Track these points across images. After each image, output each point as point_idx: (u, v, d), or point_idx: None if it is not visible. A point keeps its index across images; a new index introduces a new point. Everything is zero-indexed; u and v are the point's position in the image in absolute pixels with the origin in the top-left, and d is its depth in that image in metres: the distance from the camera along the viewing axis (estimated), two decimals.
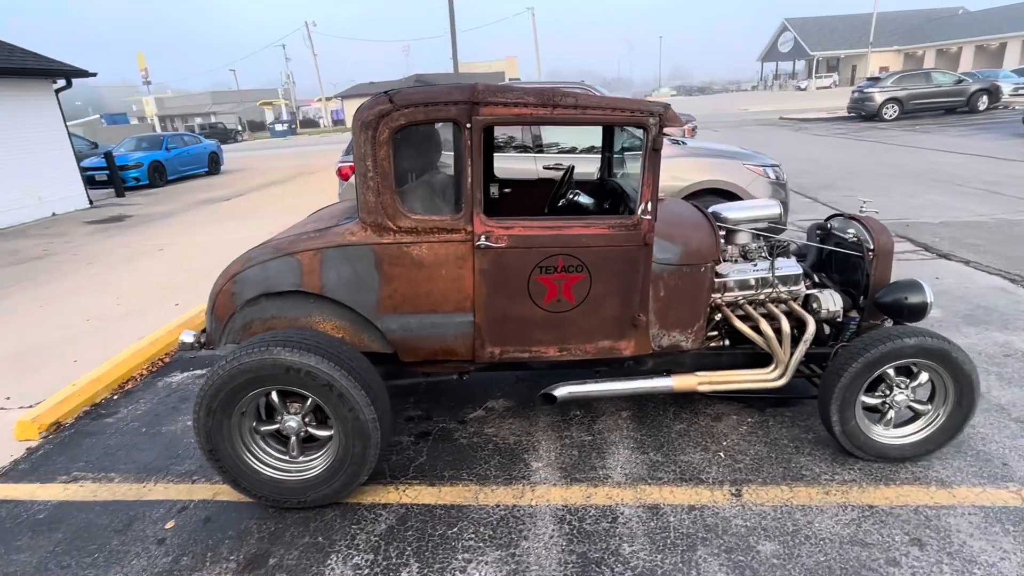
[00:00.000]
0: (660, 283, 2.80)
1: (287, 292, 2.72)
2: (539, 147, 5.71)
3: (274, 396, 2.58)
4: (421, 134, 3.17)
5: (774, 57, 62.59)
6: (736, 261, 3.20)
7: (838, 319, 3.08)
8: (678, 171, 5.55)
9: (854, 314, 3.17)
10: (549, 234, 2.61)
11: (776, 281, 3.05)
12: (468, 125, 2.46)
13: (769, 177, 5.63)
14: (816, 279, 3.29)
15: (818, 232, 3.52)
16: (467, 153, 2.49)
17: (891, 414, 2.79)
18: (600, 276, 2.70)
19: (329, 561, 2.37)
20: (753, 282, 3.05)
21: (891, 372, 2.72)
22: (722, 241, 3.29)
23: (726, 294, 3.05)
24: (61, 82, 12.75)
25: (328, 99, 53.63)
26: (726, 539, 2.37)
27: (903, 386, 2.75)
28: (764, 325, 2.89)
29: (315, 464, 2.65)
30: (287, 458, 2.67)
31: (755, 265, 3.10)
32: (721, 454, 2.93)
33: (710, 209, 3.31)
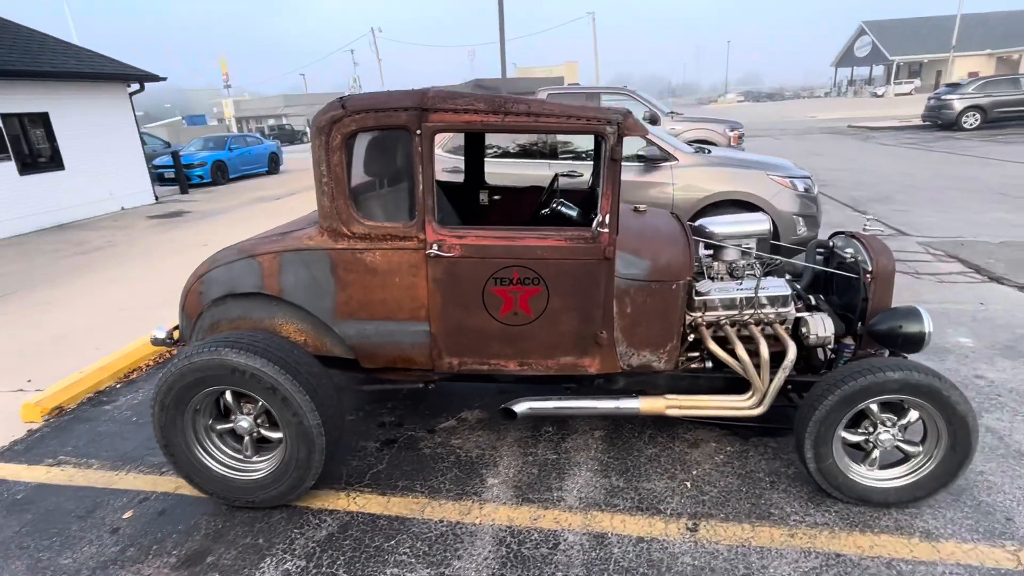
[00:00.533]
0: (627, 299, 2.67)
1: (251, 294, 2.76)
2: (555, 153, 5.61)
3: (228, 396, 2.62)
4: (398, 140, 3.15)
5: (849, 62, 59.42)
6: (722, 278, 3.01)
7: (828, 345, 2.84)
8: (697, 181, 5.32)
9: (849, 341, 2.91)
10: (503, 245, 2.53)
11: (763, 301, 2.84)
12: (418, 132, 2.42)
13: (796, 189, 5.30)
14: (812, 301, 3.04)
15: (819, 251, 3.27)
16: (418, 160, 2.45)
17: (876, 454, 2.54)
18: (558, 290, 2.59)
19: (262, 564, 2.37)
20: (736, 302, 2.85)
21: (875, 408, 2.47)
22: (707, 257, 3.12)
23: (707, 313, 2.86)
24: (135, 86, 13.66)
25: None
26: None
27: (889, 424, 2.50)
28: (740, 349, 2.70)
29: (263, 466, 2.67)
30: (240, 457, 2.70)
31: (740, 284, 2.91)
32: (688, 484, 2.75)
33: (698, 222, 3.14)
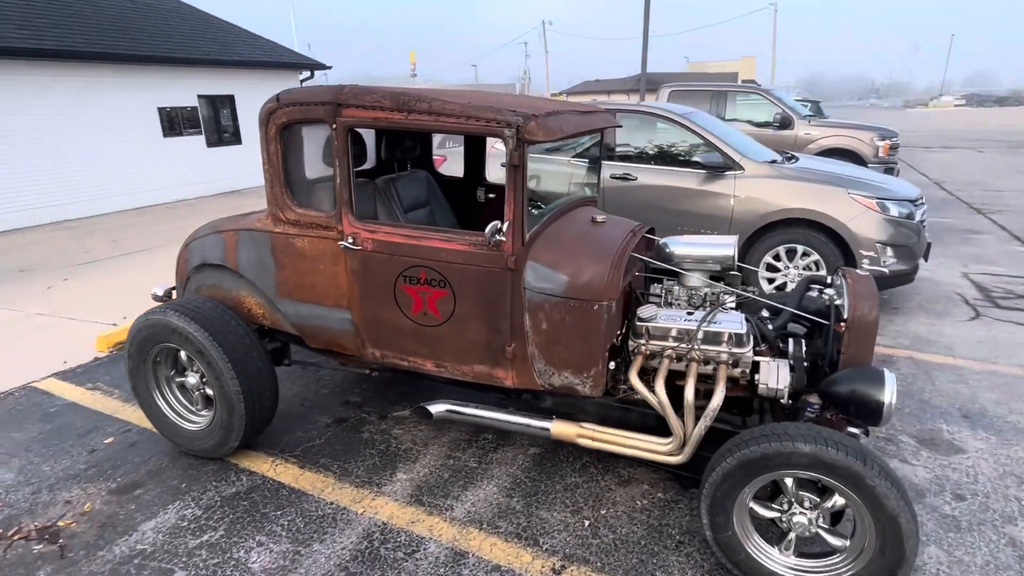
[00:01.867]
0: (541, 315, 2.50)
1: (220, 266, 3.07)
2: (610, 153, 5.33)
3: (183, 353, 2.95)
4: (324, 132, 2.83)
5: None
6: (679, 305, 2.70)
7: (781, 398, 2.40)
8: (761, 194, 4.72)
9: (815, 399, 2.43)
10: (409, 243, 2.52)
11: (709, 337, 2.47)
12: (334, 126, 2.49)
13: (886, 212, 4.46)
14: (787, 345, 2.59)
15: (814, 288, 2.75)
16: (335, 153, 2.52)
17: (791, 536, 2.11)
18: (463, 295, 2.51)
19: (170, 506, 2.66)
20: (680, 333, 2.52)
21: (789, 483, 2.06)
22: (670, 280, 2.80)
23: (652, 341, 2.58)
24: (306, 73, 15.50)
25: (554, 95, 55.93)
26: None
27: (808, 505, 2.06)
28: (659, 385, 2.39)
29: (200, 420, 2.97)
30: (191, 409, 3.04)
31: (690, 314, 2.57)
32: (586, 523, 2.52)
33: (662, 240, 2.82)
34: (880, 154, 9.08)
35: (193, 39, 13.14)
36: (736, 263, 2.64)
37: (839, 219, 4.44)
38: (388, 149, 3.46)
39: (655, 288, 2.85)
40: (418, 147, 3.64)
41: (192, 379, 2.95)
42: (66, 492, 2.78)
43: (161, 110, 12.08)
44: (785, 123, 9.29)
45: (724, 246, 2.64)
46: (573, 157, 4.99)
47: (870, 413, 2.10)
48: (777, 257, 4.77)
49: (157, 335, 2.83)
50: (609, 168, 5.26)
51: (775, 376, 2.38)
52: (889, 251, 4.45)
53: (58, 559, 2.37)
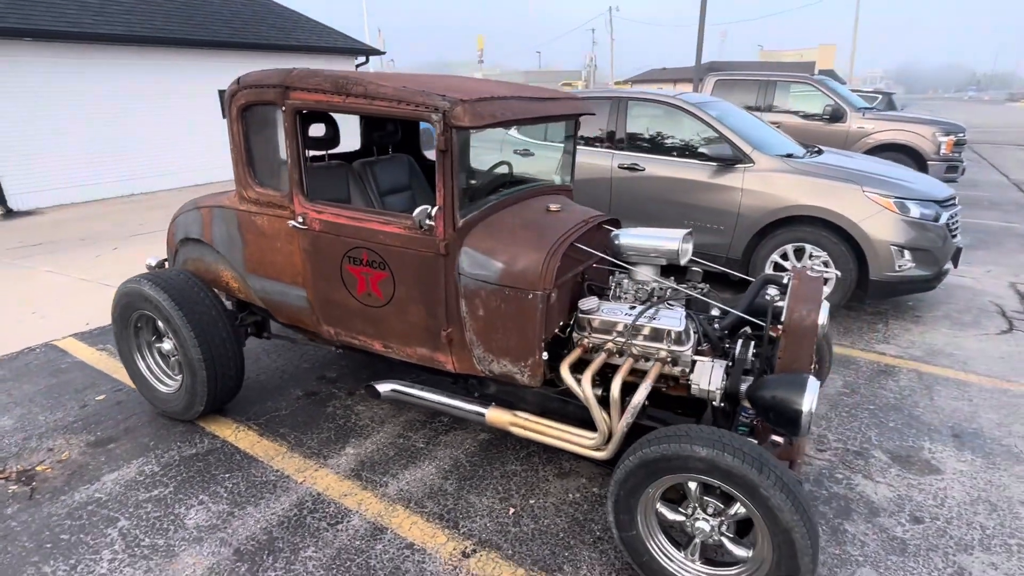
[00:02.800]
0: (477, 301, 2.50)
1: (199, 240, 3.24)
2: (620, 142, 5.20)
3: (159, 321, 3.14)
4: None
5: None
6: (626, 299, 2.64)
7: (713, 400, 2.31)
8: (770, 189, 4.48)
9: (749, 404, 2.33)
10: (352, 225, 2.57)
11: (647, 332, 2.41)
12: (283, 108, 2.56)
13: (905, 213, 4.14)
14: (734, 345, 2.48)
15: (771, 287, 2.61)
16: (285, 134, 2.60)
17: (697, 542, 2.04)
18: (401, 278, 2.55)
19: (134, 461, 2.86)
20: (618, 327, 2.47)
21: (692, 487, 1.99)
22: (621, 272, 2.74)
23: (593, 335, 2.54)
24: (361, 59, 15.89)
25: (618, 83, 54.77)
26: None
27: (712, 512, 1.99)
28: (586, 377, 2.35)
29: (172, 385, 3.16)
30: (169, 373, 3.24)
31: (632, 308, 2.50)
32: (511, 510, 2.53)
33: (614, 232, 2.75)
34: (943, 150, 8.41)
35: (253, 24, 13.73)
36: (684, 258, 2.55)
37: (850, 218, 4.17)
38: (367, 133, 3.53)
39: (611, 281, 2.79)
40: (399, 131, 3.69)
41: (167, 345, 3.14)
42: (51, 441, 3.04)
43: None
44: (836, 116, 8.74)
45: (669, 239, 2.55)
46: (544, 143, 4.91)
47: (789, 421, 2.00)
48: (785, 256, 4.53)
49: (133, 303, 3.03)
50: (617, 158, 5.15)
51: (707, 377, 2.29)
52: (906, 255, 4.14)
53: (27, 499, 2.61)
